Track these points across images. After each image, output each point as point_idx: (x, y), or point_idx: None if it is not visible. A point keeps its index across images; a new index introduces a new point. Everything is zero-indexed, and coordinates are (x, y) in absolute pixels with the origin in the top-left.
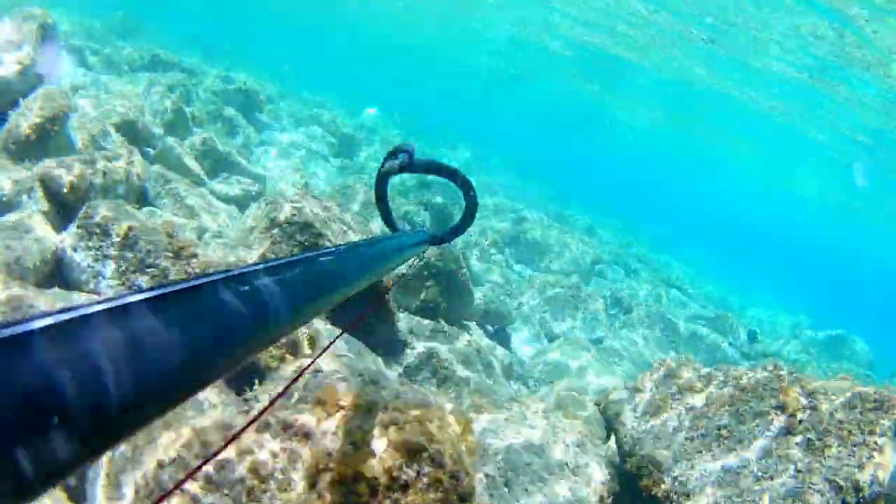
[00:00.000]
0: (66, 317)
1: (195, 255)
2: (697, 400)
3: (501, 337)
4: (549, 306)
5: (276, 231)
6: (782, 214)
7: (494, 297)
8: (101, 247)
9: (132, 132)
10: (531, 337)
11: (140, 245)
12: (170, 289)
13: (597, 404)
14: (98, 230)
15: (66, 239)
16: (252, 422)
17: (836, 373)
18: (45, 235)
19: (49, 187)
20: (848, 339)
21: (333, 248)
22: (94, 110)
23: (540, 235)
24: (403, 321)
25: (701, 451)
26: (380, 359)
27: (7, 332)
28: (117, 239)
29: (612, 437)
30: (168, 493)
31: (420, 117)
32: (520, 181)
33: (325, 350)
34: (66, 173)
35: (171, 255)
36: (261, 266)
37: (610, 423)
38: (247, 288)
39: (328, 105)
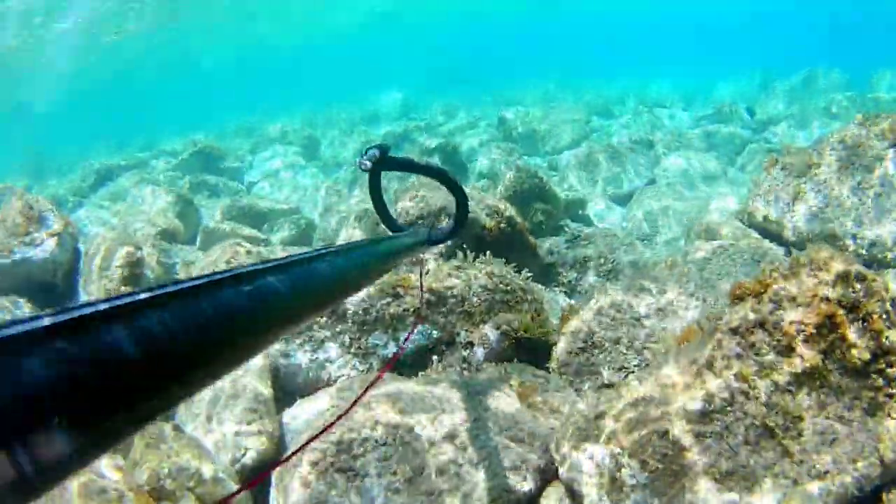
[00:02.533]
0: (67, 316)
1: None
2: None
3: (586, 221)
4: (587, 171)
5: None
6: None
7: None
8: None
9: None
10: (605, 207)
11: None
12: (172, 288)
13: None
14: None
15: None
16: (356, 401)
17: None
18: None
19: None
20: (817, 72)
21: (335, 248)
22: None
23: (537, 127)
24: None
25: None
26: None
27: (9, 331)
28: None
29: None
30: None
31: None
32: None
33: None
34: None
35: None
36: (262, 265)
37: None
38: (249, 287)
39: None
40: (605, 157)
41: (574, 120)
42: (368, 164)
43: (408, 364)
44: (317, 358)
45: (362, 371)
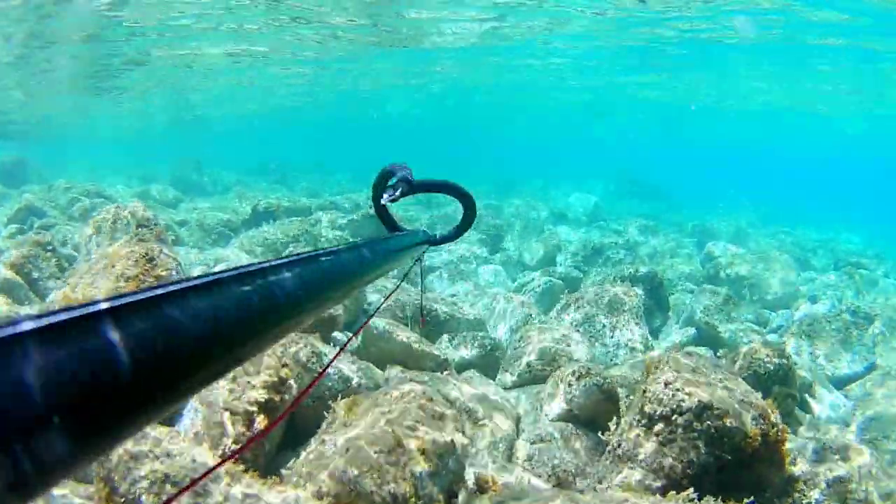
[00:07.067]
0: (67, 315)
1: None
2: None
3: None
4: (808, 343)
5: None
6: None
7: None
8: None
9: (331, 328)
10: (825, 391)
11: None
12: (181, 286)
13: None
14: None
15: None
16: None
17: None
18: None
19: None
20: None
21: (335, 249)
22: None
23: (745, 271)
24: None
25: None
26: None
27: (8, 330)
28: None
29: None
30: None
31: None
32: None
33: (342, 348)
34: None
35: None
36: (265, 265)
37: None
38: (248, 288)
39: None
40: (829, 328)
41: (780, 271)
42: (397, 194)
43: None
44: None
45: None
